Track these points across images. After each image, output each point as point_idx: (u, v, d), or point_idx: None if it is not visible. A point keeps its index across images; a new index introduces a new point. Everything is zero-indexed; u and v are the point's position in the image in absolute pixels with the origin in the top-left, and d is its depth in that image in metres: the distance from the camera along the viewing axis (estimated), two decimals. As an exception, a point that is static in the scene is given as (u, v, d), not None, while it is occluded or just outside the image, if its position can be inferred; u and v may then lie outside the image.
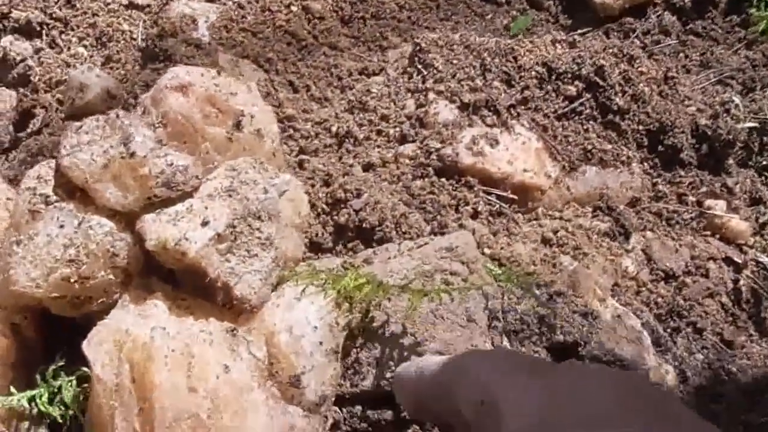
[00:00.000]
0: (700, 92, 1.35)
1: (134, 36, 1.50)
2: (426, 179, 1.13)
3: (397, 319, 0.84)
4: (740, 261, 1.20)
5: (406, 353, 0.82)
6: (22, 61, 1.43)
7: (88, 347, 0.76)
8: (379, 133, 1.24)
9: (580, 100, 1.24)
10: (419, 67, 1.31)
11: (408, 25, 1.54)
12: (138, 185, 0.83)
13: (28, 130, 1.35)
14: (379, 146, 1.22)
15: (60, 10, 1.51)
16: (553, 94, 1.24)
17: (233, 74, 1.27)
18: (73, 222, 0.83)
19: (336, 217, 1.01)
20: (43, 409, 0.78)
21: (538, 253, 1.07)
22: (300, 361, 0.77)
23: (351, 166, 1.16)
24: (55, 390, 0.79)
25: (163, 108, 0.90)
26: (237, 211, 0.82)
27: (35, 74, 1.42)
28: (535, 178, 1.17)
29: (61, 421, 0.78)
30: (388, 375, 0.82)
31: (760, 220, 1.25)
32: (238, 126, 0.92)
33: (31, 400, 0.78)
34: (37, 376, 0.80)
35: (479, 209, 1.12)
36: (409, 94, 1.29)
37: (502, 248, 1.07)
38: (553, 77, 1.25)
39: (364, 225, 1.00)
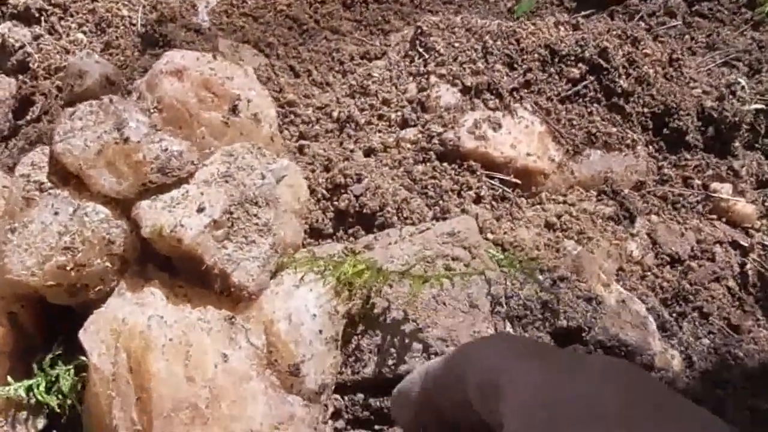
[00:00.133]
0: (706, 74, 1.31)
1: (133, 21, 1.47)
2: (428, 164, 1.10)
3: (399, 306, 0.81)
4: (747, 244, 1.17)
5: (407, 340, 0.79)
6: (21, 47, 1.40)
7: (84, 336, 0.74)
8: (380, 117, 1.21)
9: (584, 83, 1.20)
10: (421, 50, 1.28)
11: (410, 9, 1.50)
12: (132, 171, 0.80)
13: (28, 118, 1.32)
14: (380, 131, 1.18)
15: (59, -5, 1.47)
16: (557, 77, 1.21)
17: (233, 59, 1.24)
18: (67, 209, 0.80)
19: (336, 203, 0.98)
20: (40, 398, 0.75)
21: (541, 238, 1.04)
22: (299, 349, 0.75)
23: (352, 151, 1.13)
24: (53, 379, 0.77)
25: (158, 93, 0.88)
26: (234, 197, 0.79)
27: (34, 61, 1.39)
28: (538, 162, 1.14)
29: (59, 410, 0.76)
30: (390, 362, 0.79)
31: (767, 203, 1.21)
32: (234, 110, 0.89)
33: (29, 389, 0.76)
34: (34, 366, 0.77)
35: (482, 194, 1.08)
36: (411, 78, 1.26)
37: (505, 233, 1.04)
38: (556, 60, 1.21)
39: (364, 210, 0.97)
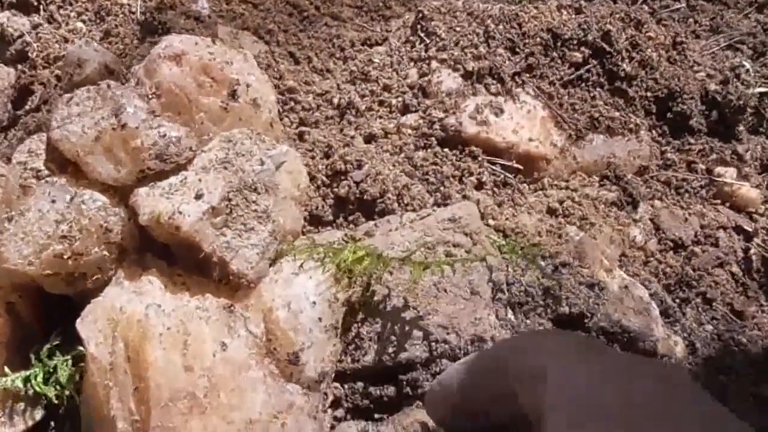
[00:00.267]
0: (710, 57, 1.28)
1: (133, 9, 1.44)
2: (429, 150, 1.08)
3: (399, 293, 0.79)
4: (751, 229, 1.15)
5: (407, 327, 0.77)
6: (20, 37, 1.37)
7: (81, 325, 0.72)
8: (381, 103, 1.18)
9: (587, 67, 1.17)
10: (422, 35, 1.25)
11: (412, -6, 1.47)
12: (130, 158, 0.78)
13: (27, 108, 1.29)
14: (381, 117, 1.16)
15: (58, -16, 1.44)
16: (559, 61, 1.18)
17: (233, 46, 1.22)
18: (64, 197, 0.78)
19: (336, 189, 0.96)
20: (38, 389, 0.74)
21: (543, 224, 1.02)
22: (298, 337, 0.73)
23: (352, 137, 1.10)
24: (51, 370, 0.75)
25: (156, 78, 0.85)
26: (232, 184, 0.77)
27: (33, 50, 1.36)
28: (540, 148, 1.11)
29: (56, 401, 0.74)
30: (390, 350, 0.77)
31: (772, 188, 1.19)
32: (233, 95, 0.86)
33: (26, 380, 0.74)
34: (32, 356, 0.76)
35: (484, 180, 1.06)
36: (412, 64, 1.23)
37: (506, 219, 1.01)
38: (559, 44, 1.18)
39: (365, 197, 0.94)
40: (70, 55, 1.29)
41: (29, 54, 1.36)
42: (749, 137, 1.22)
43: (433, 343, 0.77)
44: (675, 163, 1.17)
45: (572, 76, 1.17)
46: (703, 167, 1.17)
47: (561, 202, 1.08)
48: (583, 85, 1.18)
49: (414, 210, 0.95)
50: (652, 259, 1.08)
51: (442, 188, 1.02)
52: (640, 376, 0.40)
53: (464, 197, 1.01)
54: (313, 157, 1.01)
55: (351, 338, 0.78)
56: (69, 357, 0.76)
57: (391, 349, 0.77)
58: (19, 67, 1.34)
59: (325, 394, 0.74)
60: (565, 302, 0.89)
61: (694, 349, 1.01)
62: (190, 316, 0.73)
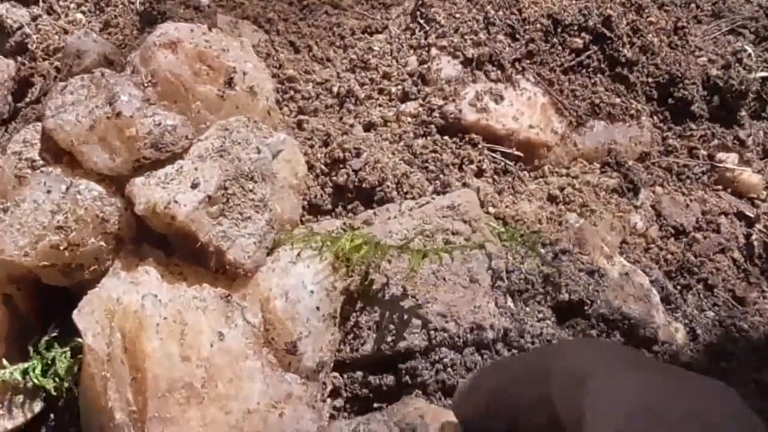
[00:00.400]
0: (712, 42, 1.25)
1: (132, 0, 1.41)
2: (428, 137, 1.05)
3: (397, 281, 0.77)
4: (752, 215, 1.12)
5: (406, 316, 0.75)
6: (20, 28, 1.35)
7: (78, 316, 0.70)
8: (380, 91, 1.15)
9: (587, 53, 1.14)
10: (421, 22, 1.22)
11: (411, -19, 1.44)
12: (125, 147, 0.76)
13: (27, 100, 1.27)
14: (380, 105, 1.13)
15: (57, -25, 1.42)
16: (559, 47, 1.15)
17: (232, 35, 1.19)
18: (60, 187, 0.76)
19: (335, 178, 0.94)
20: (36, 381, 0.72)
21: (543, 211, 1.00)
22: (296, 327, 0.71)
23: (352, 126, 1.08)
24: (49, 362, 0.73)
25: (152, 66, 0.83)
26: (228, 172, 0.75)
27: (33, 42, 1.34)
28: (541, 135, 1.08)
29: (55, 393, 0.73)
30: (389, 339, 0.75)
31: (774, 173, 1.16)
32: (230, 83, 0.84)
33: (25, 372, 0.73)
34: (30, 348, 0.74)
35: (484, 167, 1.04)
36: (412, 51, 1.20)
37: (506, 207, 0.99)
38: (559, 29, 1.15)
39: (363, 185, 0.92)
40: (69, 47, 1.26)
41: (29, 46, 1.33)
42: (751, 122, 1.19)
43: (432, 332, 0.76)
44: (676, 149, 1.15)
45: (573, 62, 1.14)
46: (705, 153, 1.15)
47: (561, 189, 1.05)
48: (584, 71, 1.15)
49: (413, 198, 0.93)
50: (653, 245, 1.06)
51: (441, 176, 1.00)
52: (682, 388, 0.39)
53: (464, 185, 0.99)
54: (311, 146, 0.99)
55: (350, 327, 0.76)
56: (67, 349, 0.74)
57: (389, 338, 0.75)
58: (19, 59, 1.32)
59: (324, 383, 0.73)
60: (565, 289, 0.87)
61: (695, 335, 0.99)
62: (187, 306, 0.71)
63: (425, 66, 1.14)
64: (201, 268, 0.75)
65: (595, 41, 1.14)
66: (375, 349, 0.75)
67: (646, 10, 1.19)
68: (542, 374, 0.46)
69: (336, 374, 0.76)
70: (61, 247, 0.74)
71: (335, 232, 0.83)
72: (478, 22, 1.16)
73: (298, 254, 0.75)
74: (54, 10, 1.40)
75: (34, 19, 1.37)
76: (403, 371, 0.75)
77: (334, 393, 0.75)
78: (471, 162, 1.03)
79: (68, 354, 0.74)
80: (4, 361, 0.74)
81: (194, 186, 0.74)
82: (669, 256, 1.05)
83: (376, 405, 0.75)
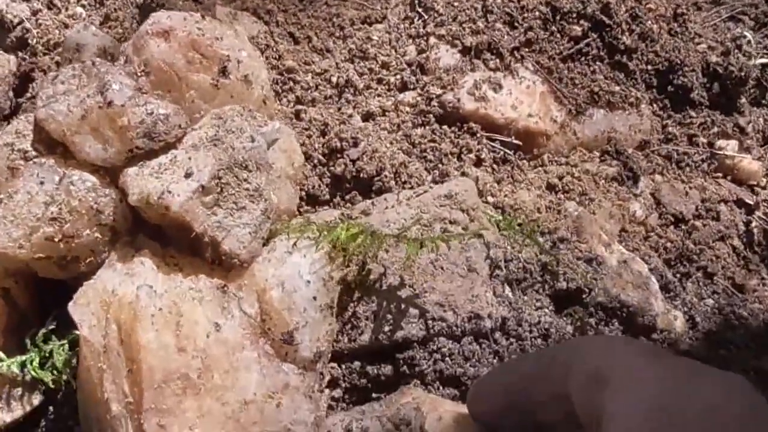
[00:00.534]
0: (711, 29, 1.22)
1: (132, -8, 1.38)
2: (427, 127, 1.03)
3: (395, 271, 0.75)
4: (752, 202, 1.09)
5: (403, 306, 0.73)
6: (20, 23, 1.32)
7: (74, 308, 0.68)
8: (379, 81, 1.13)
9: (586, 41, 1.11)
10: (420, 11, 1.19)
11: (411, -30, 1.40)
12: (118, 137, 0.73)
13: (28, 95, 1.24)
14: (379, 95, 1.11)
15: (56, -32, 1.39)
16: (558, 35, 1.12)
17: (231, 27, 1.16)
18: (53, 178, 0.73)
19: (332, 168, 0.91)
20: (34, 374, 0.70)
21: (542, 200, 0.97)
22: (293, 317, 0.69)
23: (350, 116, 1.05)
24: (47, 355, 0.71)
25: (144, 55, 0.80)
26: (222, 162, 0.72)
27: (33, 37, 1.31)
28: (540, 123, 1.06)
29: (53, 386, 0.71)
30: (387, 328, 0.73)
31: (774, 160, 1.13)
32: (224, 72, 0.81)
33: (23, 365, 0.71)
34: (27, 341, 0.72)
35: (482, 156, 1.01)
36: (410, 40, 1.18)
37: (505, 196, 0.97)
38: (558, 17, 1.12)
39: (361, 175, 0.89)
40: (68, 40, 1.23)
41: (29, 41, 1.30)
42: (751, 109, 1.16)
43: (430, 321, 0.73)
44: (676, 136, 1.12)
45: (572, 50, 1.11)
46: (705, 140, 1.12)
47: (561, 178, 1.03)
48: (583, 59, 1.12)
49: (412, 188, 0.90)
50: (652, 233, 1.03)
51: (440, 165, 0.97)
52: (699, 385, 0.37)
53: (463, 174, 0.96)
54: (309, 136, 0.96)
55: (347, 318, 0.74)
56: (65, 341, 0.72)
57: (387, 328, 0.73)
58: (20, 54, 1.29)
59: (321, 373, 0.70)
60: (563, 278, 0.84)
61: (694, 323, 0.96)
62: (182, 297, 0.69)
63: (424, 55, 1.11)
64: (197, 259, 0.73)
65: (594, 29, 1.11)
66: (373, 339, 0.73)
67: (646, -3, 1.16)
68: (560, 373, 0.44)
69: (334, 365, 0.74)
70: (56, 239, 0.71)
71: (333, 222, 0.80)
72: (477, 11, 1.13)
73: (295, 244, 0.72)
74: (54, 5, 1.37)
75: (35, 13, 1.34)
76: (401, 361, 0.73)
77: (333, 383, 0.73)
78: (470, 151, 1.01)
79: (66, 346, 0.72)
80: (2, 354, 0.72)
81: (188, 176, 0.71)
82: (668, 244, 1.02)
83: (374, 395, 0.73)
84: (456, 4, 1.15)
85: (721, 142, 1.11)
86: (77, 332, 0.70)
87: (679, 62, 1.12)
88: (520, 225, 0.86)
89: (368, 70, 1.15)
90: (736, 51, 1.15)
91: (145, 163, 0.74)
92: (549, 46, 1.11)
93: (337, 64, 1.20)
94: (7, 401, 0.71)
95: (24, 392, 0.72)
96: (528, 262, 0.82)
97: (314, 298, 0.70)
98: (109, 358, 0.66)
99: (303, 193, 0.89)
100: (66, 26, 1.34)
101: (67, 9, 1.37)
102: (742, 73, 1.13)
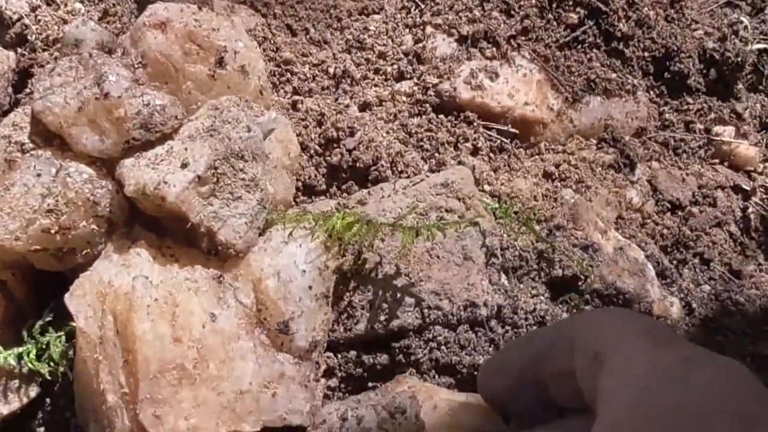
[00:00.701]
0: (708, 15, 1.19)
1: (131, -13, 1.36)
2: (423, 116, 1.01)
3: (391, 260, 0.73)
4: (749, 188, 1.07)
5: (399, 294, 0.71)
6: (19, 20, 1.30)
7: (70, 300, 0.67)
8: (376, 71, 1.10)
9: (583, 28, 1.09)
10: (417, 0, 1.16)
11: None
12: (115, 128, 0.72)
13: (27, 91, 1.23)
14: (376, 85, 1.08)
15: (54, -37, 1.36)
16: (555, 23, 1.09)
17: (228, 19, 1.14)
18: (50, 170, 0.72)
19: (329, 158, 0.89)
20: (31, 366, 0.69)
21: (539, 188, 0.95)
22: (288, 306, 0.67)
23: (347, 106, 1.03)
24: (44, 346, 0.70)
25: (141, 47, 0.78)
26: (218, 152, 0.71)
27: (32, 33, 1.29)
28: (536, 112, 1.03)
29: (50, 378, 0.69)
30: (382, 317, 0.71)
31: (771, 146, 1.11)
32: (220, 63, 0.80)
33: (20, 357, 0.69)
34: (24, 333, 0.71)
35: (479, 145, 0.99)
36: (407, 30, 1.15)
37: (502, 184, 0.95)
38: (554, 5, 1.09)
39: (357, 164, 0.88)
40: (67, 36, 1.21)
41: (28, 37, 1.28)
42: (748, 95, 1.14)
43: (426, 310, 0.72)
44: (673, 123, 1.09)
45: (568, 38, 1.08)
46: (702, 127, 1.09)
47: (557, 166, 1.00)
48: (580, 46, 1.09)
49: (408, 177, 0.88)
50: (649, 220, 1.01)
51: (436, 155, 0.95)
52: (696, 373, 0.35)
53: (459, 163, 0.94)
54: (306, 126, 0.94)
55: (343, 307, 0.73)
56: (62, 333, 0.71)
57: (383, 317, 0.71)
58: (19, 50, 1.27)
59: (317, 363, 0.69)
60: (559, 265, 0.82)
61: (690, 309, 0.95)
62: (178, 287, 0.67)
63: (420, 45, 1.09)
64: (193, 250, 0.72)
65: (591, 16, 1.09)
66: (368, 329, 0.72)
67: (642, -16, 1.13)
68: (565, 348, 0.43)
69: (330, 354, 0.72)
70: (53, 231, 0.70)
71: (329, 212, 0.78)
72: (473, -1, 1.11)
73: (290, 234, 0.71)
74: (53, 1, 1.35)
75: (34, 9, 1.32)
76: (397, 350, 0.72)
77: (329, 373, 0.72)
78: (466, 140, 0.98)
79: (63, 338, 0.70)
80: (-1, 347, 0.71)
81: (184, 166, 0.69)
82: (665, 231, 1.00)
83: (370, 384, 0.71)
84: (452, -8, 1.13)
85: (718, 128, 1.09)
86: (74, 324, 0.69)
87: (675, 49, 1.10)
88: (516, 213, 0.84)
89: (365, 61, 1.13)
90: (733, 37, 1.12)
91: (141, 154, 0.72)
92: (545, 34, 1.08)
93: (334, 54, 1.17)
94: (4, 393, 0.70)
95: (21, 384, 0.70)
96: (524, 250, 0.80)
97: (310, 287, 0.69)
98: (105, 349, 0.65)
99: (299, 184, 0.88)
100: (65, 22, 1.31)
101: (66, 5, 1.35)
102: (739, 59, 1.10)
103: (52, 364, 0.69)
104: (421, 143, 0.97)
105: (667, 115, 1.09)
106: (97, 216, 0.72)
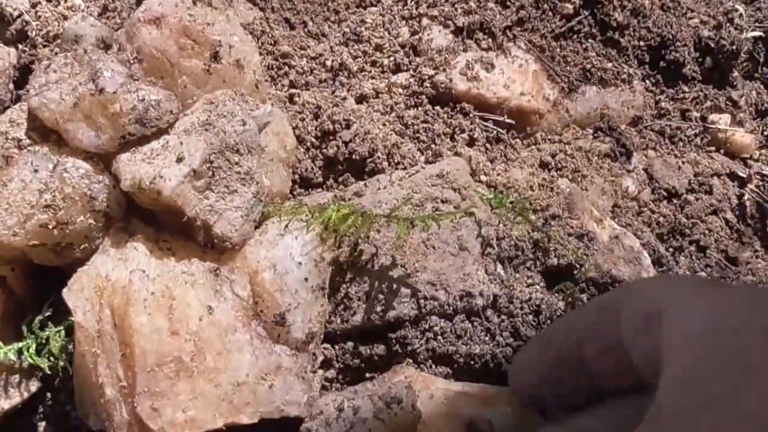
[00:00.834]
0: (703, 3, 1.17)
1: (129, -17, 1.34)
2: (420, 108, 0.99)
3: (386, 251, 0.72)
4: (745, 175, 1.06)
5: (395, 285, 0.70)
6: (20, 16, 1.28)
7: (68, 294, 0.66)
8: (373, 64, 1.09)
9: (578, 18, 1.07)
10: (412, -8, 1.14)
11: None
12: (110, 123, 0.70)
13: (28, 87, 1.21)
14: (372, 77, 1.07)
15: (54, -40, 1.35)
16: (550, 13, 1.07)
17: (223, 13, 1.13)
18: (47, 165, 0.71)
19: (325, 150, 0.88)
20: (31, 360, 0.68)
21: (535, 178, 0.94)
22: (284, 298, 0.66)
23: (344, 99, 1.01)
24: (43, 341, 0.69)
25: (137, 43, 0.77)
26: (214, 146, 0.70)
27: (33, 29, 1.27)
28: (533, 102, 1.02)
29: (50, 372, 0.69)
30: (379, 308, 0.70)
31: (766, 132, 1.09)
32: (215, 57, 0.78)
33: (20, 352, 0.69)
34: (24, 328, 0.70)
35: (475, 136, 0.97)
36: (404, 22, 1.13)
37: (498, 175, 0.93)
38: (550, -5, 1.07)
39: (354, 156, 0.86)
40: (66, 32, 1.19)
41: (29, 33, 1.27)
42: (744, 83, 1.12)
43: (422, 301, 0.71)
44: (669, 112, 1.08)
45: (564, 28, 1.07)
46: (698, 115, 1.07)
47: (553, 156, 0.99)
48: (575, 36, 1.08)
49: (405, 168, 0.87)
50: (645, 208, 1.00)
51: (433, 146, 0.94)
52: (761, 305, 0.34)
53: (456, 154, 0.93)
54: (302, 119, 0.93)
55: (340, 299, 0.72)
56: (61, 328, 0.70)
57: (379, 308, 0.70)
58: (20, 46, 1.26)
59: (314, 354, 0.68)
60: (554, 254, 0.81)
61: (688, 296, 0.93)
62: (175, 280, 0.66)
63: (416, 36, 1.08)
64: (189, 243, 0.71)
65: (586, 5, 1.07)
66: (365, 320, 0.71)
67: (637, -27, 1.11)
68: (609, 319, 0.41)
69: (327, 345, 0.71)
70: (50, 226, 0.69)
71: (326, 204, 0.77)
72: (469, -10, 1.09)
73: (286, 226, 0.70)
74: (53, -4, 1.34)
75: (34, 6, 1.30)
76: (394, 341, 0.71)
77: (326, 364, 0.71)
78: (463, 131, 0.97)
79: (62, 333, 0.70)
80: (-1, 342, 0.70)
81: (179, 160, 0.68)
82: (661, 219, 0.99)
83: (367, 375, 0.71)
84: (448, -16, 1.11)
85: (713, 116, 1.07)
86: (72, 318, 0.68)
87: (671, 37, 1.08)
88: (512, 203, 0.83)
89: (362, 53, 1.11)
90: (728, 25, 1.10)
91: (137, 149, 0.71)
92: (541, 25, 1.06)
93: (331, 47, 1.16)
94: (5, 388, 0.69)
95: (21, 379, 0.70)
96: (520, 240, 0.79)
97: (306, 279, 0.68)
98: (103, 342, 0.64)
99: (296, 176, 0.87)
100: (65, 18, 1.30)
101: (66, 1, 1.33)
102: (734, 47, 1.08)
103: (51, 358, 0.69)
104: (417, 135, 0.95)
105: (662, 104, 1.08)
106: (94, 211, 0.71)
